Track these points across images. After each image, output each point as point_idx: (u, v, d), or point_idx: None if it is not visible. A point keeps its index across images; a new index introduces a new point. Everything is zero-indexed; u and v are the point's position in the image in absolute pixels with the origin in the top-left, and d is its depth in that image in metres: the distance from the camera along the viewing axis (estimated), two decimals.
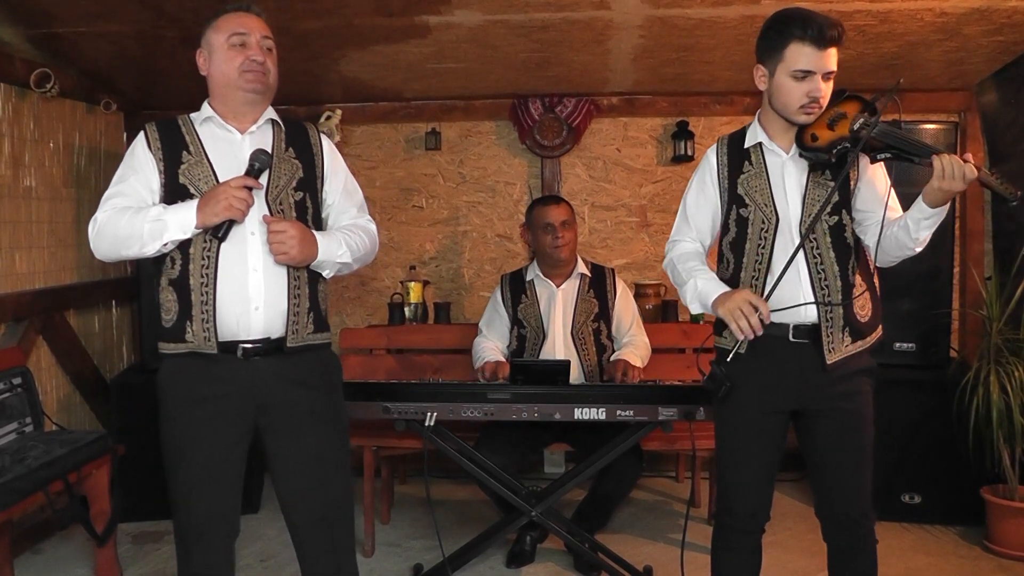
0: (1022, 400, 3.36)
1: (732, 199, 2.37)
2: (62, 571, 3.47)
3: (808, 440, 2.35)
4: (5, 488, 2.67)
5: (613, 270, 3.79)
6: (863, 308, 2.29)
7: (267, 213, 2.23)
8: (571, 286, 3.67)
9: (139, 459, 3.59)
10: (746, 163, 2.37)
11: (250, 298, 2.21)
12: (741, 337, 2.18)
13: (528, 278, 3.72)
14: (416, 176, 4.67)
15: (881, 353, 2.35)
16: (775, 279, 2.22)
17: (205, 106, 2.31)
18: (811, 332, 2.25)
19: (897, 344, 3.74)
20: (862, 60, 3.76)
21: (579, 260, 3.71)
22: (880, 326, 2.36)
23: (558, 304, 3.65)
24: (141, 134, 2.30)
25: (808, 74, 2.16)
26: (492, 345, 3.67)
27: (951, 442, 3.61)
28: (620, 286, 3.73)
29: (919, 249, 2.19)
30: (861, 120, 2.18)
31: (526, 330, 3.66)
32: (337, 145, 4.38)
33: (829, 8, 3.20)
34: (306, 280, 2.28)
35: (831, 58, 2.16)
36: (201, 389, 2.23)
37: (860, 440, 2.28)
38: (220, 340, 2.21)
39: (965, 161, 2.03)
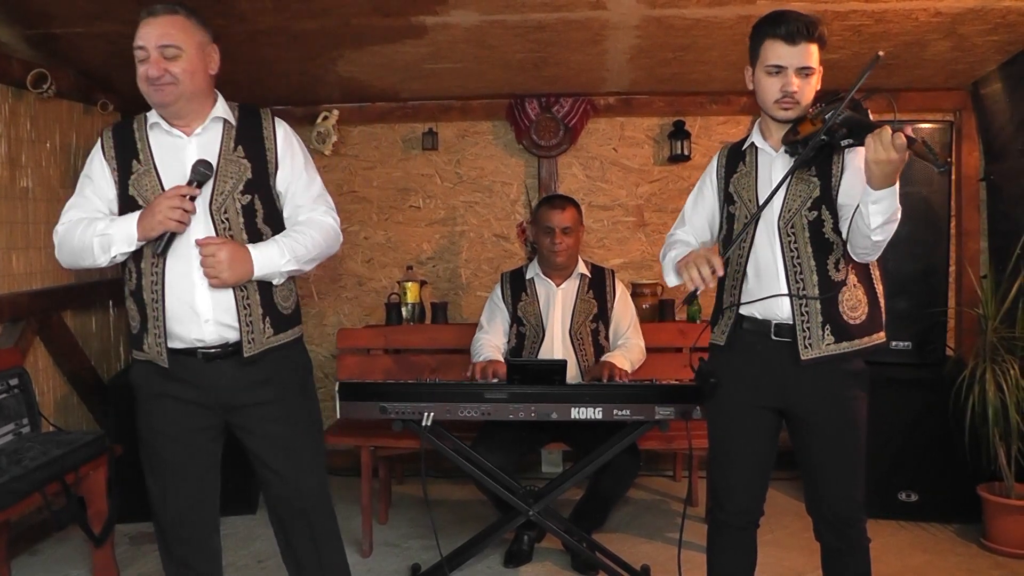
0: (1018, 398, 3.37)
1: (725, 198, 2.43)
2: (59, 572, 3.47)
3: (797, 442, 2.36)
4: (2, 489, 2.67)
5: (613, 271, 3.79)
6: (854, 309, 2.26)
7: (210, 223, 2.21)
8: (571, 286, 3.68)
9: (136, 460, 3.54)
10: (740, 164, 2.41)
11: (199, 312, 2.22)
12: (691, 287, 2.21)
13: (528, 276, 3.73)
14: (413, 176, 4.68)
15: (877, 351, 2.32)
16: (755, 272, 2.28)
17: (152, 110, 2.28)
18: (791, 331, 2.26)
19: (893, 343, 3.74)
20: (858, 60, 3.75)
21: (580, 260, 3.72)
22: (880, 332, 2.31)
23: (557, 303, 3.65)
24: (98, 141, 2.31)
25: (780, 69, 2.20)
26: (491, 342, 3.68)
27: (947, 440, 3.62)
28: (619, 288, 3.74)
29: (877, 239, 2.10)
30: (824, 105, 2.19)
31: (525, 328, 3.66)
32: (334, 145, 4.46)
33: (825, 8, 3.21)
34: (255, 289, 2.27)
35: (803, 54, 2.18)
36: (165, 387, 2.28)
37: (849, 446, 2.28)
38: (173, 349, 2.24)
39: (900, 132, 1.97)
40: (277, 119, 2.36)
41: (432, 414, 2.90)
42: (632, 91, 4.47)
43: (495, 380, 3.23)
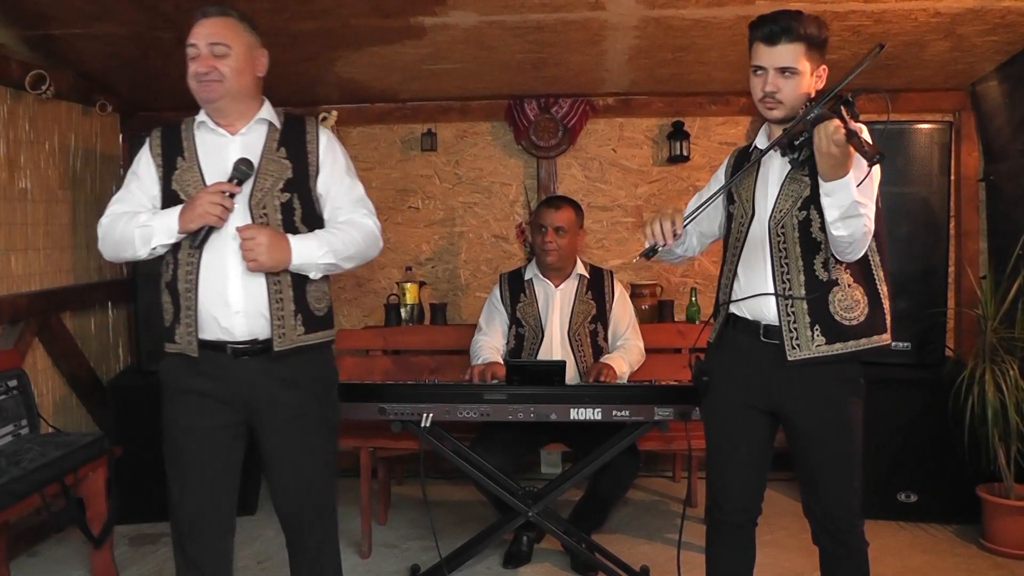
0: (1017, 399, 3.37)
1: (727, 198, 2.44)
2: (59, 573, 3.46)
3: (791, 446, 2.36)
4: (1, 490, 2.67)
5: (612, 272, 3.79)
6: (849, 309, 2.23)
7: (248, 218, 2.27)
8: (569, 287, 3.68)
9: (135, 461, 3.59)
10: (745, 164, 2.40)
11: (230, 303, 2.26)
12: (649, 243, 2.22)
13: (527, 277, 3.73)
14: (412, 177, 4.67)
15: (876, 352, 2.29)
16: (745, 272, 2.30)
17: (202, 110, 2.36)
18: (779, 332, 2.26)
19: (893, 343, 3.73)
20: (857, 60, 3.74)
21: (578, 262, 3.72)
22: (883, 334, 2.28)
23: (556, 304, 3.65)
24: (147, 139, 2.40)
25: (760, 69, 2.22)
26: (490, 344, 3.68)
27: (947, 441, 3.62)
28: (618, 289, 3.74)
29: (838, 234, 2.09)
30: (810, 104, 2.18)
31: (524, 329, 3.66)
32: None
33: (823, 8, 3.21)
34: (289, 283, 2.30)
35: (783, 55, 2.18)
36: (192, 383, 2.30)
37: (842, 450, 2.26)
38: (204, 341, 2.27)
39: (837, 125, 1.97)
40: (321, 127, 2.43)
41: (431, 415, 2.90)
42: (631, 92, 4.46)
43: (494, 382, 3.23)
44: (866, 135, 2.08)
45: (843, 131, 1.94)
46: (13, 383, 3.21)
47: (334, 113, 4.43)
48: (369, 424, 3.32)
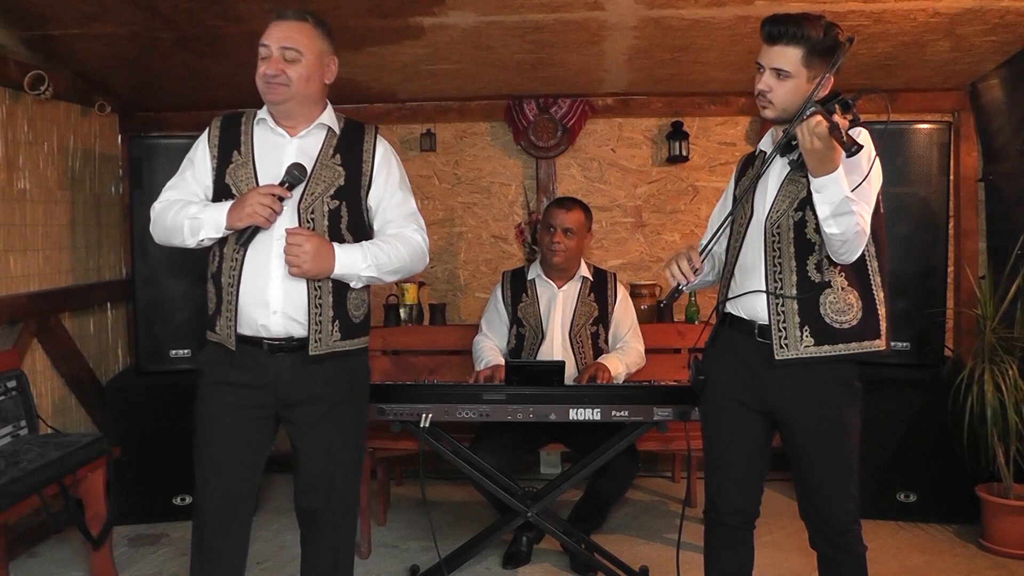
0: (1016, 398, 3.37)
1: (733, 202, 2.46)
2: (58, 574, 3.46)
3: (786, 448, 2.35)
4: (0, 491, 2.67)
5: (615, 274, 3.79)
6: (841, 312, 2.22)
7: (295, 221, 2.28)
8: (572, 288, 3.68)
9: (135, 462, 3.58)
10: (750, 168, 2.44)
11: (268, 303, 2.28)
12: (673, 283, 2.26)
13: (530, 277, 3.73)
14: (411, 177, 4.52)
15: (869, 358, 2.28)
16: (740, 272, 2.32)
17: (264, 107, 2.38)
18: (770, 332, 2.26)
19: (892, 343, 3.74)
20: (856, 60, 3.76)
21: (582, 263, 3.72)
22: (875, 340, 2.26)
23: (558, 305, 3.65)
24: (208, 127, 2.41)
25: (760, 67, 2.23)
26: (492, 345, 3.68)
27: (946, 440, 3.62)
28: (621, 291, 3.74)
29: (831, 232, 2.08)
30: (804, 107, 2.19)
31: (525, 329, 3.66)
32: None
33: (823, 9, 3.21)
34: (330, 290, 2.32)
35: (778, 55, 2.18)
36: (227, 374, 2.32)
37: (836, 453, 2.25)
38: (241, 336, 2.29)
39: (819, 120, 1.98)
40: (380, 137, 2.46)
41: (430, 415, 2.91)
42: (630, 92, 4.46)
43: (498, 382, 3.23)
44: (865, 136, 2.08)
45: (824, 125, 1.95)
46: (12, 384, 3.21)
47: None
48: (368, 424, 3.31)
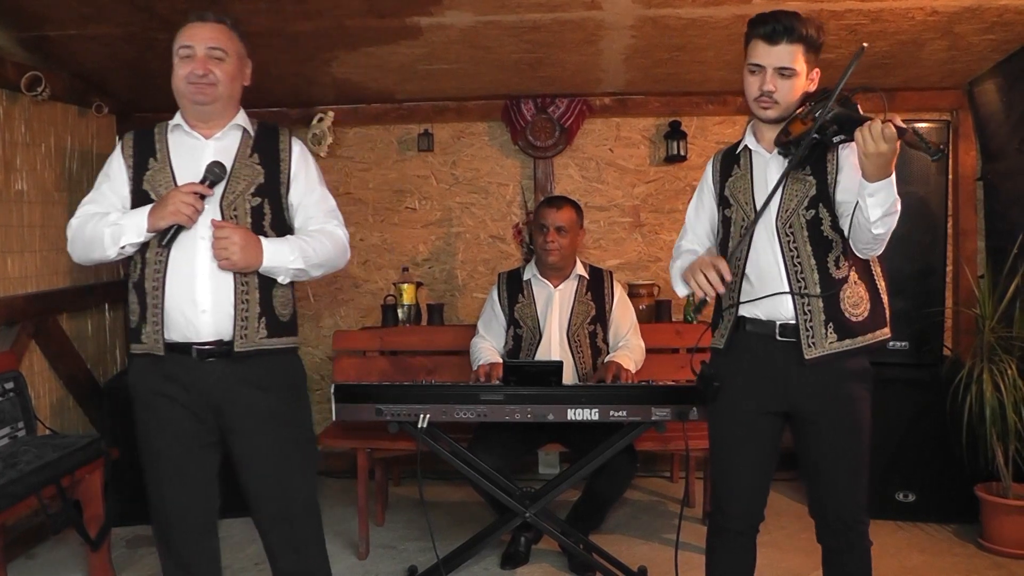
0: (1015, 398, 3.37)
1: (721, 202, 2.43)
2: None
3: (802, 445, 2.35)
4: None
5: (612, 273, 3.78)
6: (856, 306, 2.26)
7: (219, 218, 2.28)
8: (569, 288, 3.67)
9: (133, 463, 3.54)
10: (735, 167, 2.42)
11: (197, 302, 2.27)
12: (701, 294, 2.22)
13: (526, 277, 3.72)
14: (409, 178, 4.67)
15: (875, 351, 2.32)
16: (756, 274, 2.29)
17: (177, 114, 2.39)
18: (795, 331, 2.26)
19: (891, 343, 3.73)
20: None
21: (578, 262, 3.71)
22: (883, 328, 2.31)
23: (555, 305, 3.64)
24: (119, 143, 2.42)
25: (758, 68, 2.22)
26: (489, 346, 3.67)
27: (945, 440, 3.62)
28: (618, 290, 3.74)
29: (877, 232, 2.10)
30: (814, 104, 2.18)
31: (522, 330, 3.66)
32: (330, 147, 4.45)
33: (820, 8, 3.21)
34: (256, 285, 2.32)
35: (783, 54, 2.18)
36: (159, 386, 2.31)
37: (854, 447, 2.27)
38: (170, 342, 2.28)
39: (888, 123, 1.96)
40: (294, 137, 2.47)
41: (428, 416, 2.90)
42: (628, 91, 4.46)
43: (497, 382, 3.23)
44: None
45: (893, 128, 1.93)
46: (9, 385, 3.21)
47: (330, 114, 4.43)
48: (366, 425, 3.32)
